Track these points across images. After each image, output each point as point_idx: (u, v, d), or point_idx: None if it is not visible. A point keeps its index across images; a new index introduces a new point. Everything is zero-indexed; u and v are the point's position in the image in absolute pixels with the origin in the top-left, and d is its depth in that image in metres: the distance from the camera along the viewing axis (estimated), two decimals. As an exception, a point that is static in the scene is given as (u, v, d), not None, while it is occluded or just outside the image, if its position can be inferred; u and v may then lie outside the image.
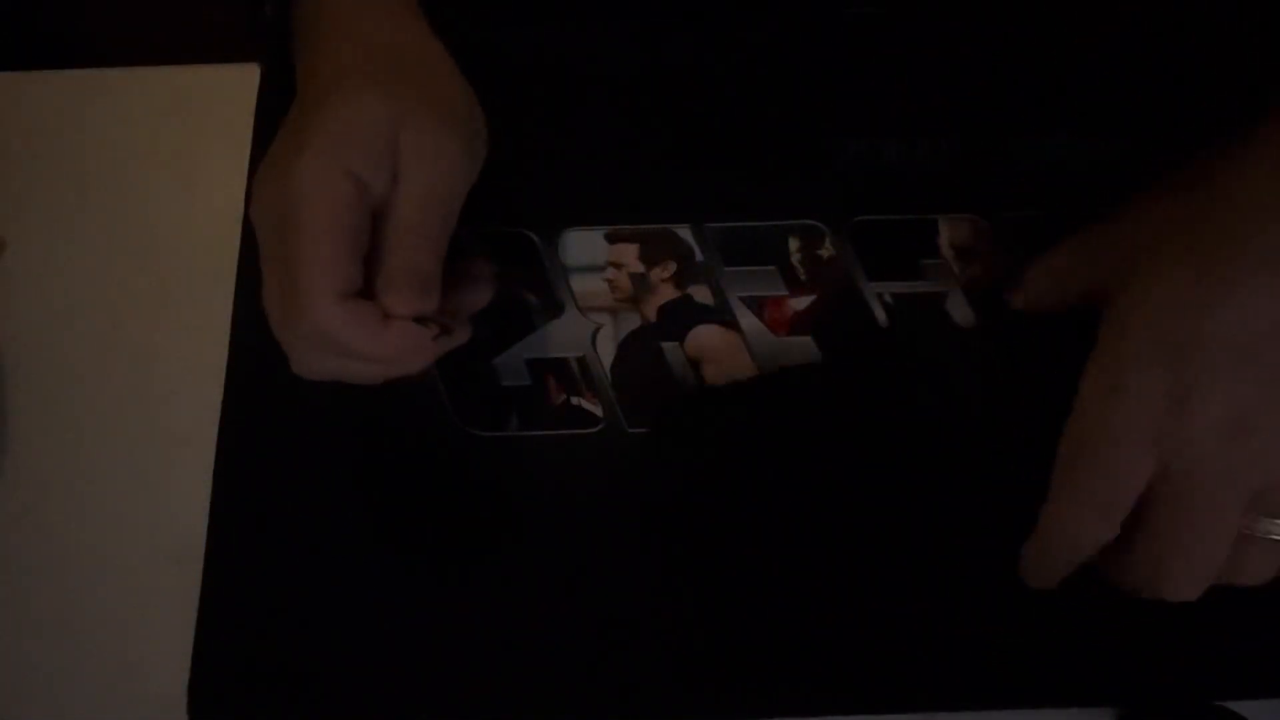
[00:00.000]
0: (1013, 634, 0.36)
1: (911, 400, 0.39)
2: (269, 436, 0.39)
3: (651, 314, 0.41)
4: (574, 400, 0.39)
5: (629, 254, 0.41)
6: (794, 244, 0.41)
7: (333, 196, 0.30)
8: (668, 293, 0.41)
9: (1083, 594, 0.37)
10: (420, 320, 0.32)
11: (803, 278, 0.41)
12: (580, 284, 0.41)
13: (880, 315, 0.40)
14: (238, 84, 0.44)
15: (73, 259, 0.42)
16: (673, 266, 0.41)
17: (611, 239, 0.42)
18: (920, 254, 0.41)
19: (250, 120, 0.43)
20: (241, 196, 0.40)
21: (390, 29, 0.35)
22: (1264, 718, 0.35)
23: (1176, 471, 0.28)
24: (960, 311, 0.40)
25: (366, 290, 0.31)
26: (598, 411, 0.39)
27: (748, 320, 0.40)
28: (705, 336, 0.40)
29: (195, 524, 0.38)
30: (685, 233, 0.42)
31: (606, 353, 0.40)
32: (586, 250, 0.42)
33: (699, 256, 0.41)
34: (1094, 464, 0.30)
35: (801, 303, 0.41)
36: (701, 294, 0.41)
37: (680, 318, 0.41)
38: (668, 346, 0.40)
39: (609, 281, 0.41)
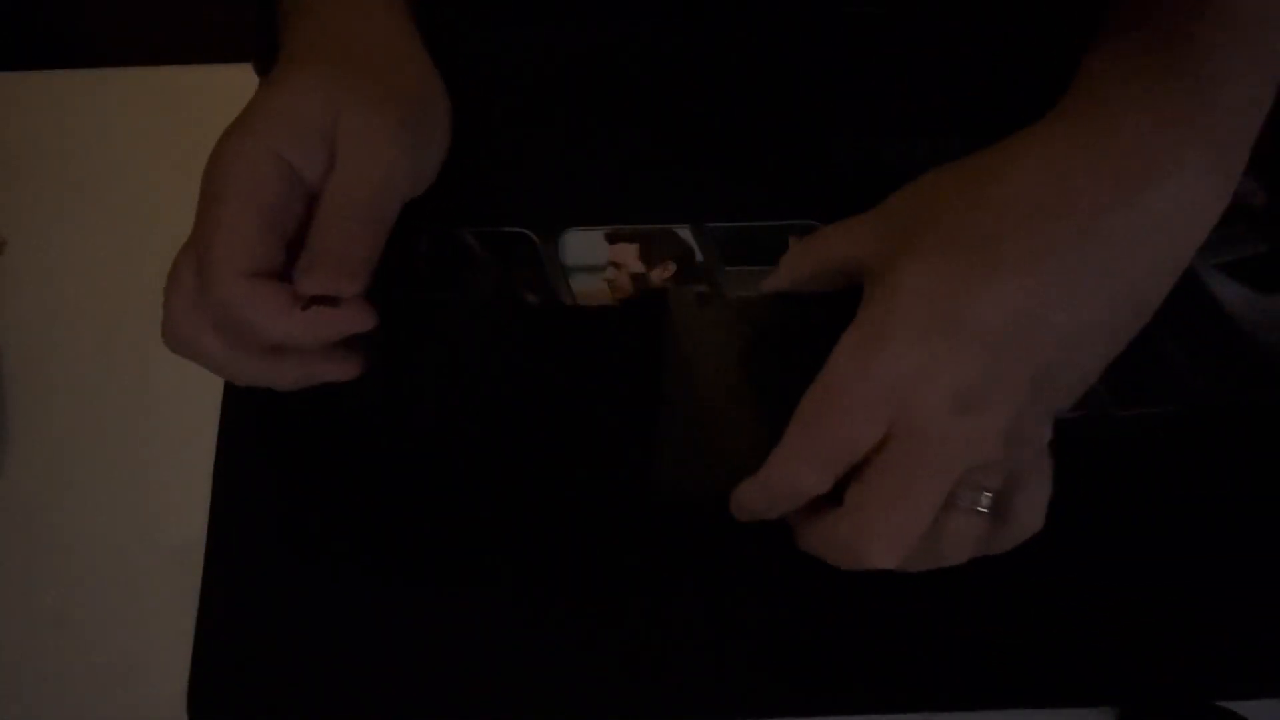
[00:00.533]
0: (1013, 634, 0.36)
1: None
2: (269, 436, 0.39)
3: None
4: None
5: (629, 254, 0.41)
6: (794, 244, 0.41)
7: (253, 175, 0.31)
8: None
9: (1083, 594, 0.37)
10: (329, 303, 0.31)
11: None
12: (580, 284, 0.41)
13: None
14: (238, 84, 0.44)
15: (73, 259, 0.42)
16: (673, 267, 0.41)
17: (611, 239, 0.42)
18: None
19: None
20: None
21: (354, 16, 0.36)
22: (1264, 718, 0.35)
23: (901, 435, 0.29)
24: None
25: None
26: None
27: None
28: None
29: (195, 524, 0.38)
30: (685, 233, 0.42)
31: None
32: (586, 250, 0.42)
33: (699, 256, 0.41)
34: (829, 418, 0.30)
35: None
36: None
37: None
38: None
39: (609, 281, 0.41)
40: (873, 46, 0.44)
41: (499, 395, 0.39)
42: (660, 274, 0.41)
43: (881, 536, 0.30)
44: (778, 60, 0.45)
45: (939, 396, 0.29)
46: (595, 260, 0.41)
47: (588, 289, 0.41)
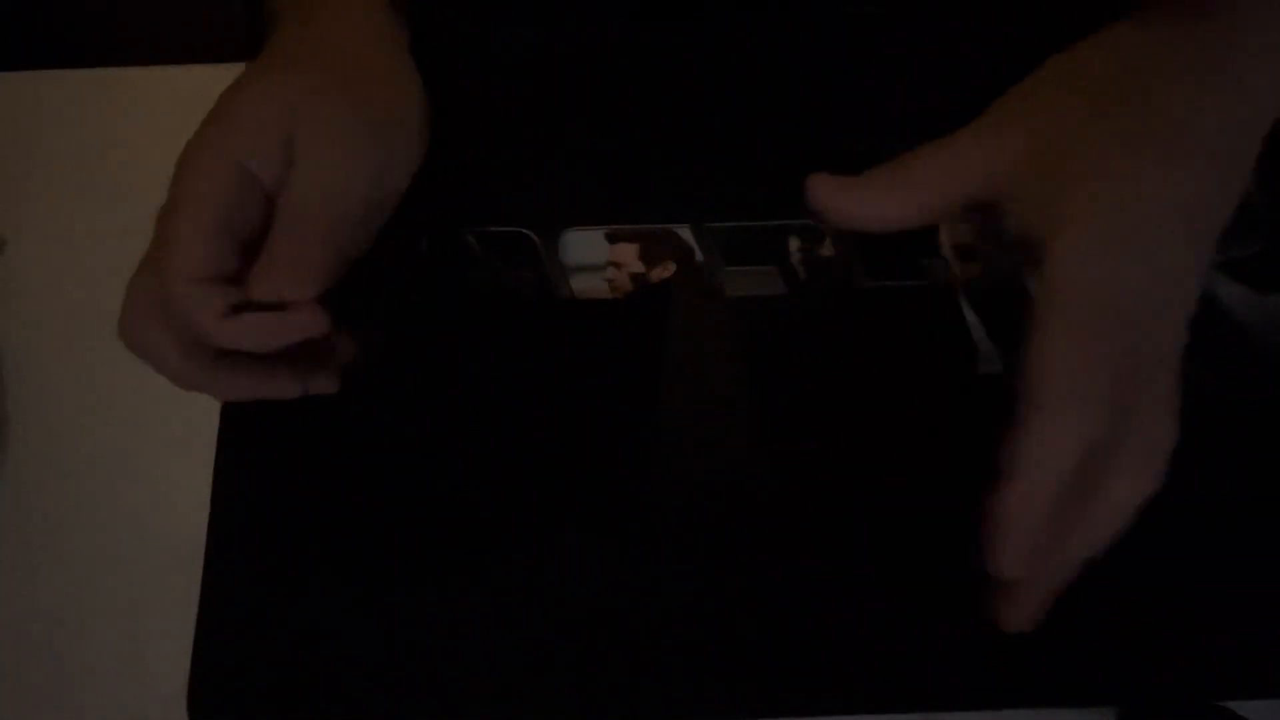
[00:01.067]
0: (1013, 634, 0.36)
1: (914, 398, 0.39)
2: (269, 436, 0.39)
3: None
4: None
5: (629, 254, 0.41)
6: (794, 244, 0.41)
7: (209, 181, 0.31)
8: None
9: (1082, 594, 0.37)
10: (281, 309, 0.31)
11: (803, 277, 0.41)
12: (580, 283, 0.41)
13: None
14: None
15: (73, 259, 0.42)
16: (673, 266, 0.41)
17: (612, 239, 0.42)
18: (921, 253, 0.41)
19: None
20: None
21: (335, 22, 0.35)
22: (1264, 718, 0.35)
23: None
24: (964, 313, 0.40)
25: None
26: None
27: None
28: None
29: (195, 524, 0.38)
30: (685, 233, 0.42)
31: None
32: (586, 250, 0.42)
33: (699, 256, 0.41)
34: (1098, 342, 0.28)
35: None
36: None
37: None
38: None
39: (609, 281, 0.41)
40: (872, 46, 0.44)
41: (499, 392, 0.39)
42: (660, 273, 0.41)
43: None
44: (778, 60, 0.45)
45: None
46: (595, 260, 0.41)
47: (588, 288, 0.41)
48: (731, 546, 0.37)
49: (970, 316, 0.40)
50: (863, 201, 0.31)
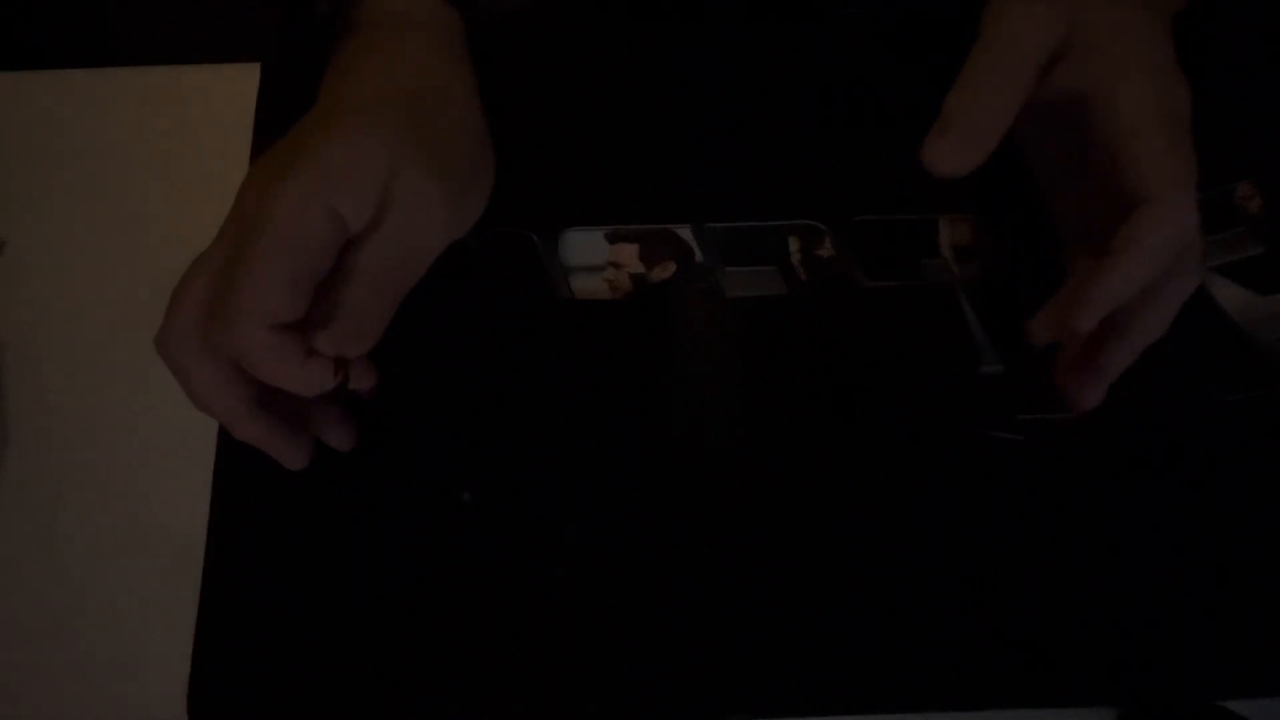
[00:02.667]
0: (1013, 634, 0.36)
1: (915, 397, 0.39)
2: None
3: None
4: None
5: (629, 254, 0.41)
6: (794, 244, 0.41)
7: (302, 225, 0.30)
8: None
9: (1082, 594, 0.37)
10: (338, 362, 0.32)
11: (803, 278, 0.41)
12: (580, 284, 0.41)
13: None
14: (238, 84, 0.44)
15: (73, 259, 0.42)
16: (673, 266, 0.41)
17: (612, 239, 0.42)
18: (920, 254, 0.41)
19: (250, 120, 0.43)
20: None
21: (421, 68, 0.35)
22: (1264, 718, 0.35)
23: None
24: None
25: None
26: None
27: None
28: None
29: (195, 524, 0.38)
30: (685, 233, 0.42)
31: None
32: (586, 250, 0.42)
33: (699, 256, 0.41)
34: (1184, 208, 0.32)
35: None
36: None
37: None
38: None
39: (609, 281, 0.41)
40: (872, 47, 0.44)
41: (500, 393, 0.39)
42: (660, 274, 0.41)
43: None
44: (778, 59, 0.45)
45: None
46: (595, 260, 0.41)
47: (588, 288, 0.41)
48: (732, 546, 0.37)
49: (970, 316, 0.40)
50: (975, 145, 0.33)
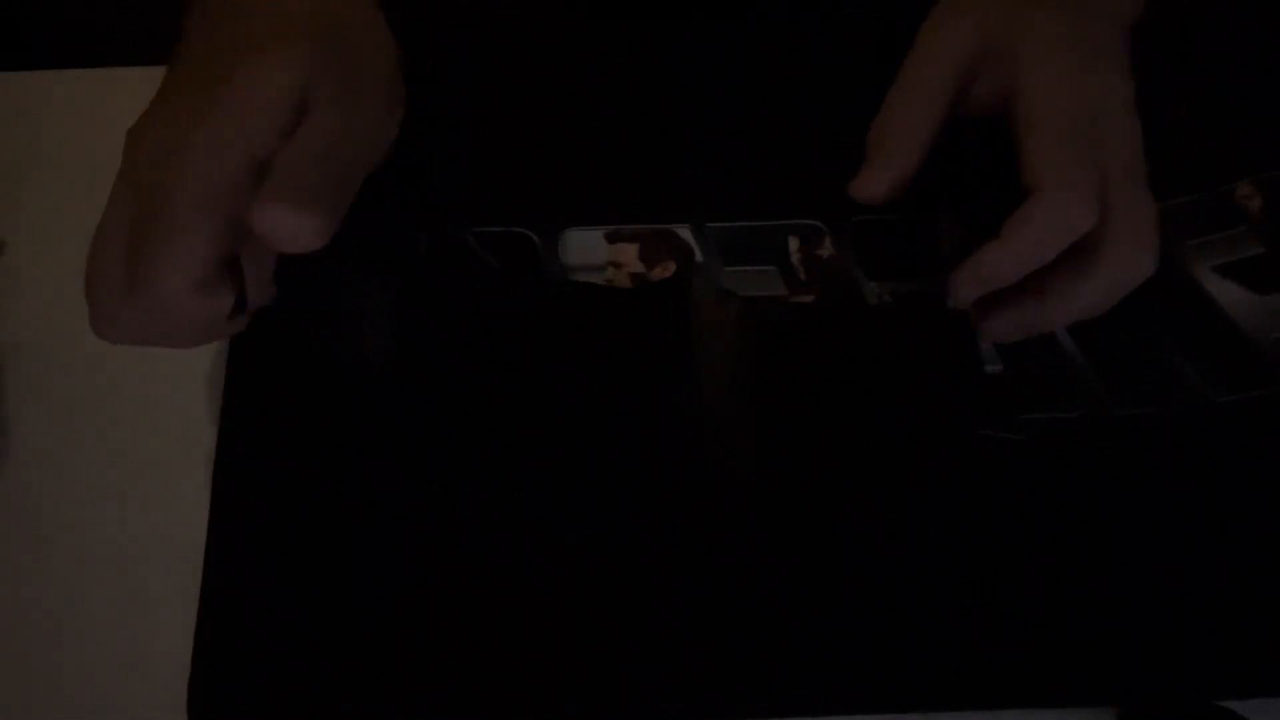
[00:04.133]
0: (1013, 634, 0.36)
1: (914, 398, 0.39)
2: (270, 435, 0.39)
3: None
4: None
5: (629, 254, 0.41)
6: (794, 244, 0.41)
7: (223, 181, 0.28)
8: None
9: (1083, 594, 0.37)
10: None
11: (803, 278, 0.41)
12: (578, 280, 0.41)
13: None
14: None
15: (73, 259, 0.42)
16: (673, 266, 0.41)
17: (611, 239, 0.42)
18: (920, 253, 0.41)
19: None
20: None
21: None
22: (1264, 718, 0.35)
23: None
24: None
25: None
26: None
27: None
28: None
29: (195, 524, 0.38)
30: (685, 233, 0.42)
31: None
32: (586, 250, 0.41)
33: (699, 256, 0.41)
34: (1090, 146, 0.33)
35: (801, 300, 0.41)
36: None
37: None
38: None
39: (609, 281, 0.41)
40: (873, 46, 0.44)
41: (502, 388, 0.39)
42: (660, 273, 0.41)
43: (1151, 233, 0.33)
44: (778, 59, 0.45)
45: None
46: (595, 260, 0.41)
47: None
48: (732, 545, 0.37)
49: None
50: (889, 166, 0.35)
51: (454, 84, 0.44)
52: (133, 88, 0.45)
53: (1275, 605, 0.36)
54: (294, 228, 0.28)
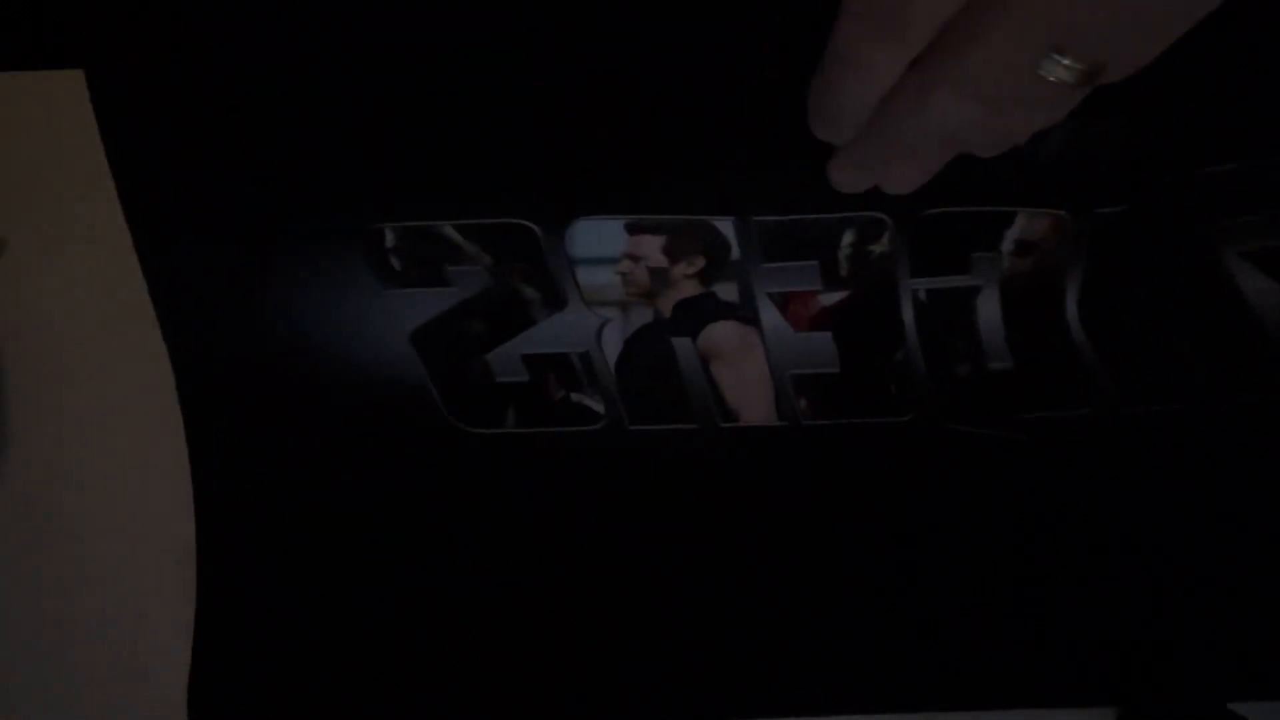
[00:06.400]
0: (1013, 634, 0.36)
1: (918, 403, 0.39)
2: (263, 432, 0.38)
3: (666, 309, 0.37)
4: (574, 396, 0.38)
5: (651, 246, 0.37)
6: (848, 238, 0.37)
7: None
8: (689, 289, 0.37)
9: (1083, 593, 0.37)
10: None
11: (842, 273, 0.37)
12: (588, 277, 0.37)
13: (907, 313, 0.37)
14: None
15: (73, 259, 0.42)
16: (700, 262, 0.37)
17: (632, 229, 0.37)
18: (975, 248, 0.37)
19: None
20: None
21: None
22: (1264, 718, 0.35)
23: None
24: (987, 307, 0.37)
25: None
26: (599, 408, 0.37)
27: (769, 316, 0.37)
28: (719, 333, 0.37)
29: (195, 525, 0.38)
30: (726, 225, 0.36)
31: (612, 348, 0.37)
32: (600, 241, 0.37)
33: (735, 253, 0.37)
34: None
35: (831, 298, 0.37)
36: (727, 291, 0.37)
37: (697, 314, 0.37)
38: (679, 342, 0.37)
39: (623, 275, 0.37)
40: None
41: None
42: (684, 269, 0.37)
43: (945, 109, 0.27)
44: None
45: None
46: (609, 252, 0.37)
47: (596, 282, 0.37)
48: (732, 544, 0.37)
49: (994, 311, 0.37)
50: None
51: (433, 30, 0.36)
52: (133, 88, 0.45)
53: (1275, 605, 0.36)
54: None
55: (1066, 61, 0.26)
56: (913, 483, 0.38)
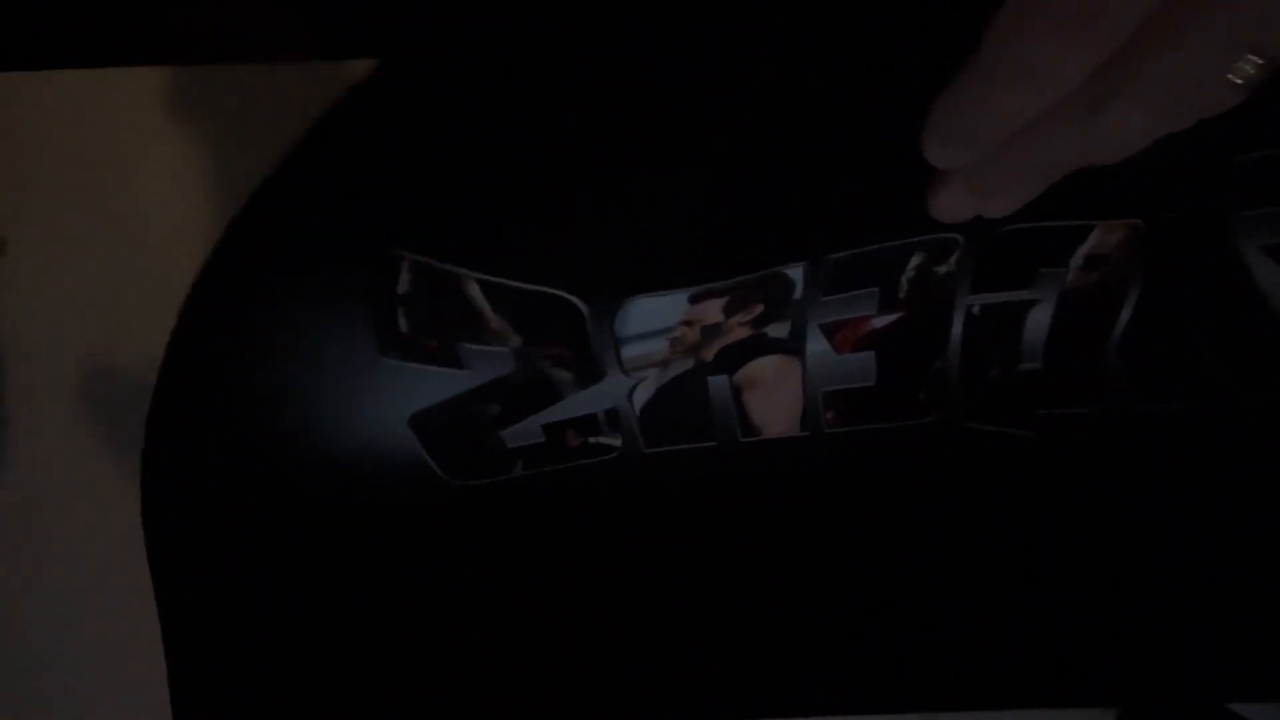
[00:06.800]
0: (1013, 634, 0.36)
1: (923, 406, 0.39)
2: (257, 430, 0.37)
3: (709, 356, 0.35)
4: (591, 439, 0.35)
5: (713, 309, 0.33)
6: (915, 260, 0.34)
7: None
8: (740, 334, 0.35)
9: (1084, 593, 0.37)
10: None
11: (901, 296, 0.35)
12: (634, 350, 0.34)
13: (956, 327, 0.34)
14: (238, 84, 0.44)
15: (73, 259, 0.42)
16: (759, 309, 0.34)
17: (696, 299, 0.33)
18: (1048, 263, 0.35)
19: (250, 120, 0.43)
20: (240, 196, 0.40)
21: None
22: (1265, 719, 0.35)
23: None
24: (1038, 318, 0.35)
25: None
26: (615, 442, 0.35)
27: (815, 345, 0.34)
28: (758, 366, 0.35)
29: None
30: (796, 272, 0.33)
31: (642, 399, 0.34)
32: (656, 316, 0.33)
33: (798, 293, 0.33)
34: None
35: (883, 320, 0.35)
36: (778, 329, 0.35)
37: (741, 354, 0.35)
38: (714, 380, 0.34)
39: (673, 340, 0.34)
40: None
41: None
42: (739, 319, 0.34)
43: (1142, 99, 0.24)
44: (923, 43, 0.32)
45: None
46: (665, 324, 0.33)
47: (643, 353, 0.33)
48: (732, 544, 0.37)
49: (1044, 320, 0.36)
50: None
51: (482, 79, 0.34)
52: (133, 88, 0.46)
53: (1276, 605, 0.36)
54: None
55: (1258, 61, 0.24)
56: (924, 482, 0.37)
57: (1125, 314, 0.35)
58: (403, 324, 0.33)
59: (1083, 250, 0.35)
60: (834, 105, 0.33)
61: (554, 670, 0.36)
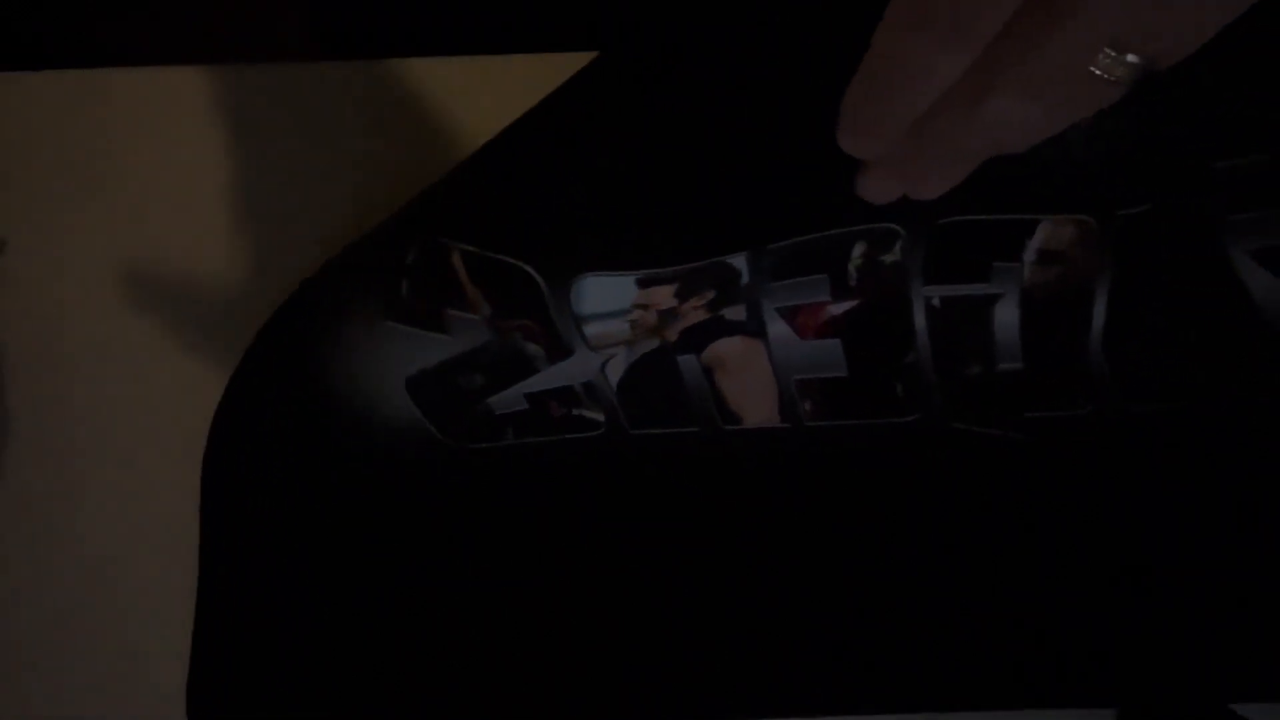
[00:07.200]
0: (1013, 634, 0.36)
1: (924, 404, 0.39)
2: (261, 430, 0.38)
3: (673, 337, 0.36)
4: (575, 411, 0.37)
5: (663, 294, 0.36)
6: (859, 249, 0.36)
7: None
8: (697, 318, 0.36)
9: (1084, 593, 0.37)
10: None
11: (852, 284, 0.36)
12: (595, 328, 0.36)
13: (919, 319, 0.36)
14: (238, 84, 0.44)
15: (73, 259, 0.42)
16: (711, 294, 0.36)
17: (643, 283, 0.36)
18: (1000, 257, 0.36)
19: (249, 120, 0.43)
20: (239, 196, 0.40)
21: None
22: (1265, 719, 0.35)
23: None
24: (1005, 314, 0.36)
25: None
26: (599, 417, 0.37)
27: (776, 327, 0.36)
28: (724, 346, 0.37)
29: (195, 523, 0.38)
30: (739, 261, 0.35)
31: (615, 374, 0.37)
32: (608, 297, 0.35)
33: (745, 279, 0.36)
34: None
35: (840, 307, 0.36)
36: (735, 313, 0.36)
37: (703, 336, 0.37)
38: (683, 359, 0.36)
39: (633, 323, 0.36)
40: None
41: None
42: (694, 304, 0.36)
43: (1009, 101, 0.26)
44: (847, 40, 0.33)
45: None
46: (618, 306, 0.36)
47: (604, 331, 0.36)
48: (731, 543, 0.37)
49: (1012, 317, 0.36)
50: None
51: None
52: (133, 88, 0.46)
53: (1276, 605, 0.36)
54: None
55: (1129, 57, 0.25)
56: (915, 482, 0.38)
57: (1099, 312, 0.35)
58: (404, 288, 0.36)
59: (1033, 244, 0.36)
60: (770, 98, 0.35)
61: (548, 644, 0.36)
